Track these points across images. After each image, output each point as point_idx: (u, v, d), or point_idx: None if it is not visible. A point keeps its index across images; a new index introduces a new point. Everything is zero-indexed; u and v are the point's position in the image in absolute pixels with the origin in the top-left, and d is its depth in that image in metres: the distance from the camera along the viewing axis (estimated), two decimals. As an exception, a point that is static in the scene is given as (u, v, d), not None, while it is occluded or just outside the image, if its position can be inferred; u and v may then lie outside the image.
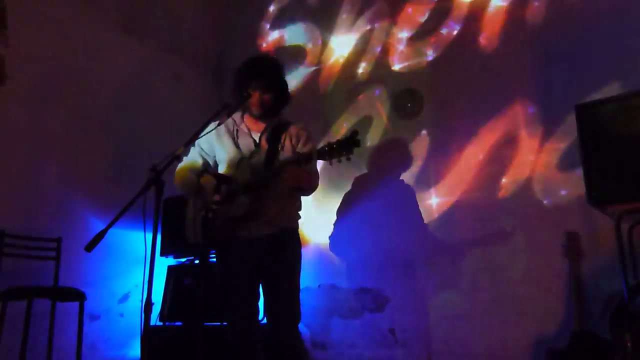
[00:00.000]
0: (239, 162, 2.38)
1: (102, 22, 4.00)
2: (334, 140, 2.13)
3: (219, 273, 2.42)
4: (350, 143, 1.98)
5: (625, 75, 2.97)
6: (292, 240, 2.44)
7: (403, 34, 3.97)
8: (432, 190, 3.61)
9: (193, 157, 2.53)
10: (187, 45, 4.73)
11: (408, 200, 3.66)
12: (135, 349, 3.82)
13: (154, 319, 3.59)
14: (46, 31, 3.59)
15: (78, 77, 3.76)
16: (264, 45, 4.71)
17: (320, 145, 2.26)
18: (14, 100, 3.35)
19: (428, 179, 3.64)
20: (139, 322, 1.89)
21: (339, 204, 3.95)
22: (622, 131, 2.41)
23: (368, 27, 4.16)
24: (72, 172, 3.66)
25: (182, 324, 3.56)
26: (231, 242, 2.36)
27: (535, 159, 3.27)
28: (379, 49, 4.06)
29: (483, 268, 3.32)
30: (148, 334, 1.87)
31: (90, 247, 1.77)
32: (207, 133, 2.33)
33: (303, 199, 2.55)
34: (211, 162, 2.52)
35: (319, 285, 3.93)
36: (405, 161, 3.75)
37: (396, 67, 3.96)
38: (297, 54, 4.48)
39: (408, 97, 3.85)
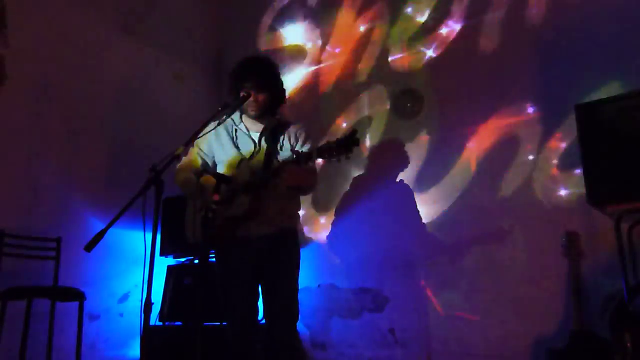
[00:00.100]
0: (239, 163, 2.38)
1: (102, 22, 4.00)
2: (333, 139, 2.13)
3: (219, 273, 2.42)
4: (350, 142, 1.98)
5: (625, 75, 2.97)
6: (291, 240, 2.44)
7: (403, 34, 3.97)
8: (432, 190, 3.60)
9: (192, 158, 2.53)
10: (187, 45, 4.73)
11: (408, 200, 3.66)
12: (135, 349, 3.82)
13: (154, 319, 3.59)
14: (46, 31, 3.59)
15: (78, 77, 3.76)
16: (264, 45, 4.71)
17: (320, 144, 2.26)
18: (14, 100, 3.35)
19: (428, 179, 3.64)
20: (139, 322, 1.89)
21: (338, 204, 3.95)
22: (622, 131, 2.41)
23: (368, 27, 4.16)
24: (72, 172, 3.66)
25: (182, 324, 3.56)
26: (231, 242, 2.36)
27: (535, 159, 3.27)
28: (378, 49, 4.06)
29: (483, 268, 3.31)
30: (148, 334, 1.87)
31: (90, 247, 1.77)
32: (206, 134, 2.33)
33: (303, 198, 2.55)
34: (210, 163, 2.52)
35: (318, 285, 3.94)
36: (405, 161, 3.75)
37: (396, 67, 3.96)
38: (296, 54, 4.48)
39: (408, 97, 3.85)
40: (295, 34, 4.55)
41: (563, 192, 3.14)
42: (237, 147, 2.44)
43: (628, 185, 2.34)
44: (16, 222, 3.21)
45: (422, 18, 3.90)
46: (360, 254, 3.78)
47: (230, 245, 2.38)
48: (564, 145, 3.18)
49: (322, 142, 2.08)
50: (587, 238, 2.87)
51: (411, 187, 3.69)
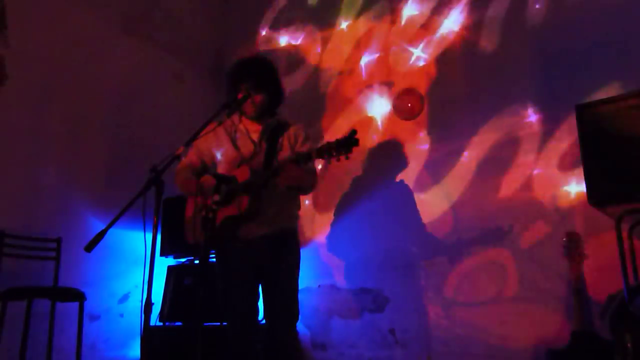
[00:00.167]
0: (238, 163, 2.38)
1: (102, 22, 4.00)
2: (332, 140, 2.13)
3: (219, 273, 2.42)
4: (349, 142, 1.98)
5: (626, 75, 2.97)
6: (291, 240, 2.44)
7: (403, 33, 3.96)
8: (432, 191, 3.60)
9: (192, 159, 2.53)
10: (187, 45, 4.73)
11: (408, 200, 3.66)
12: (135, 349, 3.82)
13: (154, 319, 3.59)
14: (46, 31, 3.59)
15: (78, 77, 3.76)
16: (264, 45, 4.71)
17: (319, 144, 2.26)
18: (14, 100, 3.35)
19: (428, 179, 3.64)
20: (139, 322, 1.89)
21: (338, 204, 3.95)
22: (622, 131, 2.40)
23: (368, 27, 4.16)
24: (72, 172, 3.66)
25: (182, 324, 3.55)
26: (231, 242, 2.37)
27: (535, 159, 3.27)
28: (378, 49, 4.06)
29: (483, 268, 3.31)
30: (148, 334, 1.87)
31: (90, 247, 1.77)
32: (205, 134, 2.33)
33: (303, 198, 2.55)
34: (210, 163, 2.53)
35: (319, 286, 3.93)
36: (405, 161, 3.75)
37: (396, 67, 3.96)
38: (296, 54, 4.48)
39: (408, 96, 3.85)
40: (295, 34, 4.55)
41: (563, 192, 3.14)
42: (237, 148, 2.44)
43: (628, 185, 2.34)
44: (16, 222, 3.21)
45: (423, 18, 3.89)
46: (361, 254, 3.77)
47: (230, 245, 2.38)
48: (564, 145, 3.18)
49: (322, 142, 2.08)
50: (588, 238, 2.87)
51: (411, 187, 3.69)
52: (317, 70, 4.35)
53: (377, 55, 4.06)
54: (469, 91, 3.58)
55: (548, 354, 2.75)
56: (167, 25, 4.56)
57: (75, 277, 3.41)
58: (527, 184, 3.26)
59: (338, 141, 2.00)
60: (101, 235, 1.77)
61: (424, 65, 3.83)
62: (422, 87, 3.79)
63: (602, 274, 2.82)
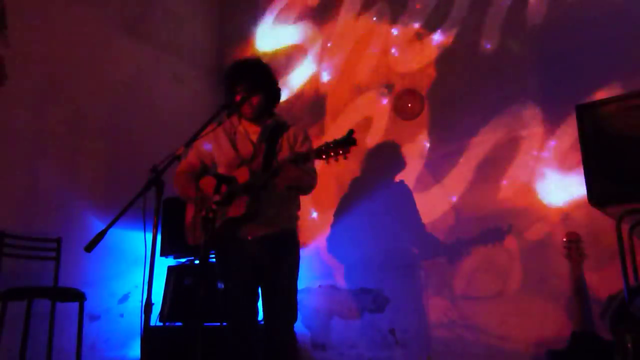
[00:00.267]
0: (238, 164, 2.38)
1: (102, 22, 4.00)
2: (331, 139, 2.13)
3: (219, 273, 2.42)
4: (347, 142, 1.99)
5: (626, 76, 2.97)
6: (291, 241, 2.45)
7: (403, 34, 3.96)
8: (432, 191, 3.60)
9: (191, 160, 2.53)
10: (187, 45, 4.73)
11: (408, 200, 3.65)
12: (135, 350, 3.82)
13: (154, 319, 3.59)
14: (46, 31, 3.59)
15: (78, 77, 3.75)
16: (264, 45, 4.71)
17: (318, 145, 2.26)
18: (14, 100, 3.34)
19: (428, 179, 3.64)
20: (139, 323, 1.89)
21: (338, 204, 3.95)
22: (622, 131, 2.41)
23: (368, 27, 4.16)
24: (72, 172, 3.66)
25: (182, 324, 3.55)
26: (231, 242, 2.37)
27: (535, 159, 3.27)
28: (379, 49, 4.06)
29: (483, 268, 3.31)
30: (148, 334, 1.87)
31: (90, 247, 1.77)
32: (205, 135, 2.33)
33: (303, 199, 2.55)
34: (209, 164, 2.53)
35: (319, 286, 3.93)
36: (405, 161, 3.75)
37: (396, 67, 3.96)
38: (296, 54, 4.48)
39: (408, 97, 3.85)
40: (295, 34, 4.55)
41: (563, 192, 3.14)
42: (236, 149, 2.44)
43: (628, 185, 2.34)
44: (16, 222, 3.21)
45: (423, 18, 3.89)
46: (361, 255, 3.77)
47: (230, 246, 2.38)
48: (564, 145, 3.17)
49: (321, 143, 2.09)
50: (588, 238, 2.87)
51: (411, 187, 3.69)
52: (317, 70, 4.35)
53: (377, 55, 4.05)
54: (469, 91, 3.58)
55: (548, 354, 2.75)
56: (167, 25, 4.56)
57: (75, 277, 3.41)
58: (527, 184, 3.26)
59: (336, 141, 2.01)
60: (101, 235, 1.78)
61: (424, 66, 3.82)
62: (423, 88, 3.79)
63: (602, 274, 2.82)
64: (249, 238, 2.35)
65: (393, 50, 3.99)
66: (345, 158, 2.01)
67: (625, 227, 2.46)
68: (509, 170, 3.34)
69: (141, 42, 4.28)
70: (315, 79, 4.34)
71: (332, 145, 2.01)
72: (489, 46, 3.56)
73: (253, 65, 2.47)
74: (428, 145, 3.70)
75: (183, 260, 3.85)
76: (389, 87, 3.94)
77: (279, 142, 2.44)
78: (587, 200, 2.53)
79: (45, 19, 3.59)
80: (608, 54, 3.06)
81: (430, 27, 3.84)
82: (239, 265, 2.37)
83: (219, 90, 4.72)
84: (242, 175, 2.31)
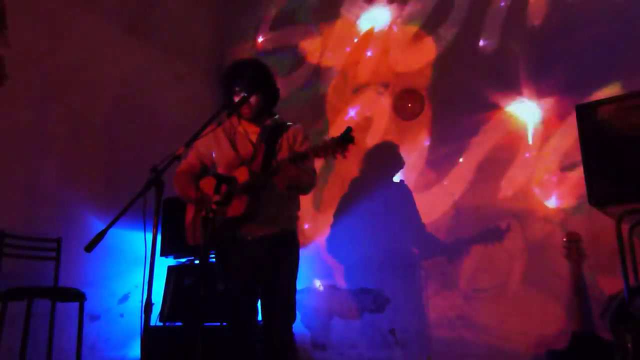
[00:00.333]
0: (238, 165, 2.38)
1: (103, 23, 4.00)
2: (329, 138, 2.13)
3: (219, 273, 2.42)
4: (345, 140, 1.98)
5: (626, 76, 2.97)
6: (290, 241, 2.44)
7: (403, 34, 3.96)
8: (432, 191, 3.60)
9: (191, 160, 2.53)
10: (187, 45, 4.73)
11: (408, 200, 3.66)
12: (135, 349, 3.82)
13: (154, 319, 3.59)
14: (46, 31, 3.58)
15: (78, 77, 3.75)
16: (264, 45, 4.71)
17: (316, 143, 2.26)
18: (14, 100, 3.34)
19: (428, 179, 3.64)
20: (139, 323, 1.89)
21: (338, 204, 3.94)
22: (622, 131, 2.41)
23: (368, 27, 4.16)
24: (72, 172, 3.65)
25: (182, 324, 3.55)
26: (231, 242, 2.37)
27: (535, 159, 3.27)
28: (379, 49, 4.06)
29: (483, 268, 3.31)
30: (148, 334, 1.87)
31: (90, 247, 1.77)
32: (205, 135, 2.33)
33: (303, 199, 2.55)
34: (209, 164, 2.53)
35: (319, 286, 3.93)
36: (405, 162, 3.75)
37: (396, 67, 3.96)
38: (297, 54, 4.48)
39: (408, 97, 3.85)
40: (295, 34, 4.55)
41: (563, 192, 3.14)
42: (236, 149, 2.44)
43: (628, 186, 2.34)
44: (16, 222, 3.20)
45: (422, 18, 3.89)
46: (361, 255, 3.77)
47: (230, 246, 2.38)
48: (564, 145, 3.18)
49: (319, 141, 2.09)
50: (588, 238, 2.87)
51: (411, 187, 3.69)
52: (317, 70, 4.35)
53: (377, 55, 4.05)
54: (469, 91, 3.58)
55: (548, 354, 2.75)
56: (167, 25, 4.55)
57: (75, 277, 3.41)
58: (527, 184, 3.26)
59: (334, 139, 2.01)
60: (101, 235, 1.77)
61: (424, 65, 3.82)
62: (423, 88, 3.79)
63: (602, 274, 2.82)
64: (249, 238, 2.35)
65: (393, 50, 3.98)
66: (344, 156, 2.01)
67: (625, 227, 2.46)
68: (509, 170, 3.34)
69: (141, 42, 4.28)
70: (315, 78, 4.34)
71: (330, 143, 2.01)
72: (489, 46, 3.56)
73: (251, 65, 2.47)
74: (428, 145, 3.70)
75: (183, 260, 3.85)
76: (389, 87, 3.94)
77: (279, 142, 2.44)
78: (587, 200, 2.53)
79: (45, 19, 3.59)
80: (608, 54, 3.07)
81: (431, 26, 3.84)
82: (238, 265, 2.37)
83: (219, 90, 4.72)
84: (242, 175, 2.31)
